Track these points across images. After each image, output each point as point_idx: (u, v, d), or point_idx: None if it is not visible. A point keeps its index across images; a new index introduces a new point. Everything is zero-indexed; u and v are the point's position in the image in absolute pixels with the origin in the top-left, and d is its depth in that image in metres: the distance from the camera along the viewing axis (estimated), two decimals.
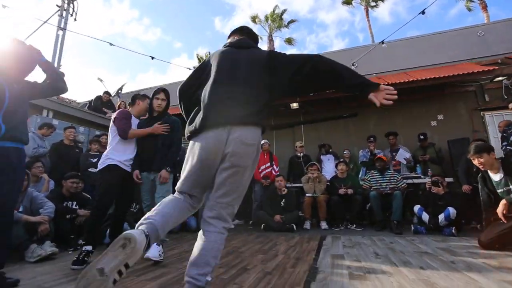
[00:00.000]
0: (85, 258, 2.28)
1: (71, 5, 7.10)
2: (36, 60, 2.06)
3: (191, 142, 1.40)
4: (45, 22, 6.80)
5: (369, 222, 4.56)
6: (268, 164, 5.27)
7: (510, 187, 2.74)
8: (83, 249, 2.33)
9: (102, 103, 7.11)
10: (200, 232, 1.33)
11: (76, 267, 2.21)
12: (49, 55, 6.72)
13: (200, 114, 1.34)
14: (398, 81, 5.76)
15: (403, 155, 5.21)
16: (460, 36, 6.93)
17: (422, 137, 5.26)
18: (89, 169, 4.18)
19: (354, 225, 4.34)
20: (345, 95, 6.17)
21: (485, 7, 14.12)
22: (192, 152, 1.35)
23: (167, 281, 1.88)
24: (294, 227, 4.19)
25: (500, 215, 2.67)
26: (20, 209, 2.83)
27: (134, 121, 2.81)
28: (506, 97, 5.66)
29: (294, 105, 6.51)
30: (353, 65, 6.10)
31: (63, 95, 7.10)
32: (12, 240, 2.50)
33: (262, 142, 5.31)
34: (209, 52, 20.97)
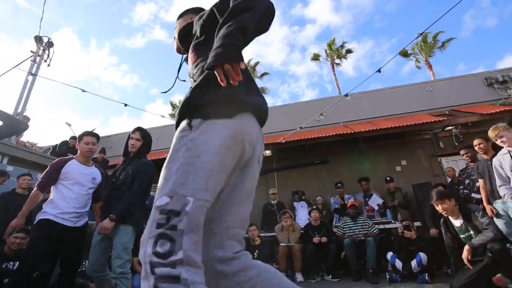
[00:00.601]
0: None
1: (47, 51, 7.11)
2: None
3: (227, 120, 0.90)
4: (15, 66, 6.68)
5: (345, 272, 4.43)
6: None
7: (471, 233, 2.86)
8: None
9: (68, 149, 6.77)
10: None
11: None
12: (14, 99, 6.48)
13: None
14: (363, 129, 6.18)
15: (376, 200, 5.33)
16: (413, 90, 7.80)
17: (388, 178, 5.52)
18: None
19: (330, 276, 4.19)
20: (315, 142, 6.47)
21: (430, 66, 16.23)
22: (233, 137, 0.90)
23: None
24: None
25: (465, 261, 2.74)
26: None
27: (80, 168, 2.51)
28: (457, 144, 6.23)
29: (267, 153, 6.64)
30: (321, 115, 6.50)
31: (23, 139, 6.70)
32: None
33: None
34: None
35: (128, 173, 2.40)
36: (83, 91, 6.66)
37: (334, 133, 6.32)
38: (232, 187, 0.99)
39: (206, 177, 0.81)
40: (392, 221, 4.81)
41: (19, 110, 6.32)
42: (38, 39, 6.80)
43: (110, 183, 2.48)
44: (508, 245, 2.70)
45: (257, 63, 19.49)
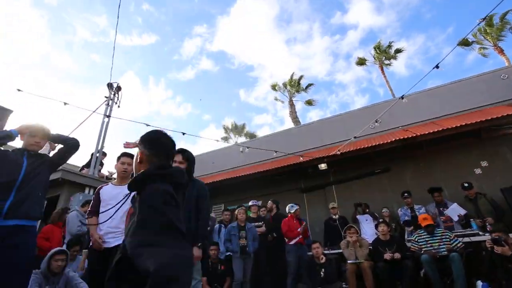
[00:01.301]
0: None
1: (117, 95, 8.22)
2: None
3: None
4: (93, 111, 7.85)
5: None
6: (300, 229, 4.89)
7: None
8: None
9: None
10: None
11: None
12: (94, 139, 7.52)
13: None
14: (427, 132, 5.62)
15: (456, 211, 4.53)
16: (483, 81, 6.89)
17: (466, 185, 4.78)
18: None
19: None
20: (373, 151, 6.07)
21: (501, 51, 14.24)
22: None
23: None
24: None
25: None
26: None
27: (112, 190, 2.56)
28: None
29: (323, 166, 6.44)
30: (376, 121, 6.12)
31: (103, 172, 7.65)
32: None
33: (293, 209, 4.96)
34: (235, 122, 22.35)
35: (190, 196, 2.46)
36: (147, 125, 7.42)
37: (394, 139, 5.86)
38: None
39: None
40: (480, 233, 4.13)
41: (99, 148, 7.32)
42: (110, 85, 7.91)
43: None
44: None
45: (301, 77, 19.50)
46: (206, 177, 9.35)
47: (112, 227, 2.39)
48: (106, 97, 8.31)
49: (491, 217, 4.35)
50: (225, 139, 21.43)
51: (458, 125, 5.35)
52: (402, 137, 5.82)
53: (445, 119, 6.67)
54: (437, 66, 4.69)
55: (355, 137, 6.49)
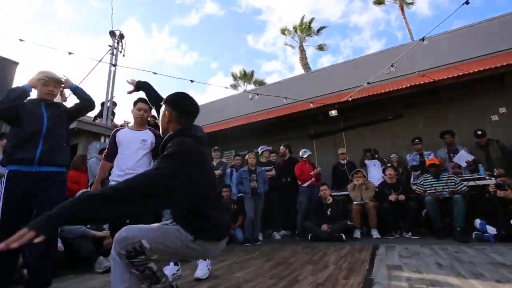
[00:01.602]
0: None
1: (120, 43, 7.92)
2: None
3: None
4: (99, 61, 7.68)
5: (427, 230, 4.18)
6: (312, 172, 5.18)
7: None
8: None
9: (152, 126, 7.71)
10: None
11: None
12: (102, 89, 7.52)
13: None
14: (446, 77, 5.35)
15: (464, 157, 4.58)
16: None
17: (479, 132, 4.71)
18: None
19: (410, 233, 4.02)
20: (386, 97, 5.90)
21: None
22: None
23: None
24: (343, 236, 4.01)
25: None
26: (88, 226, 3.16)
27: (129, 133, 2.62)
28: None
29: (333, 112, 6.37)
30: (392, 66, 5.81)
31: (115, 122, 7.83)
32: (83, 253, 2.80)
33: (305, 154, 5.22)
34: (244, 70, 21.61)
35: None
36: (155, 73, 7.30)
37: (408, 85, 5.64)
38: None
39: None
40: (487, 177, 4.20)
41: (109, 97, 7.35)
42: (112, 33, 7.59)
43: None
44: None
45: (312, 20, 18.09)
46: (216, 124, 9.46)
47: (130, 168, 2.47)
48: (110, 46, 8.03)
49: (501, 162, 4.38)
50: (234, 87, 21.04)
51: (481, 69, 5.05)
52: (418, 83, 5.58)
53: (466, 64, 6.27)
54: (467, 2, 4.24)
55: (368, 83, 6.27)
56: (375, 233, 4.16)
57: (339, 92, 7.82)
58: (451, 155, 4.84)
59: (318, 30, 18.11)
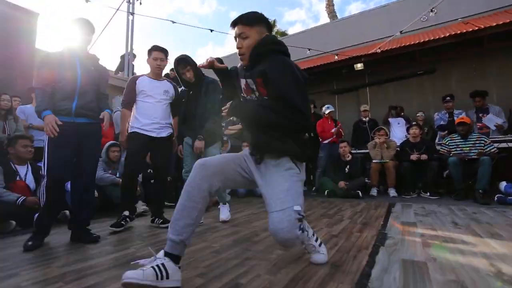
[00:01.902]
0: (122, 222, 2.37)
1: None
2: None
3: None
4: (117, 9, 7.45)
5: (447, 191, 4.14)
6: (334, 129, 5.07)
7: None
8: (122, 214, 2.42)
9: (173, 80, 7.70)
10: None
11: (113, 228, 2.30)
12: (122, 40, 7.41)
13: None
14: (493, 24, 4.74)
15: (492, 120, 4.29)
16: None
17: None
18: None
19: (428, 193, 4.01)
20: (420, 48, 5.40)
21: None
22: None
23: (239, 238, 2.08)
24: (360, 193, 4.08)
25: None
26: (117, 175, 3.40)
27: (151, 82, 2.57)
28: None
29: (359, 66, 6.00)
30: (431, 11, 5.17)
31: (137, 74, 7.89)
32: (115, 199, 3.06)
33: (328, 110, 5.08)
34: None
35: (200, 97, 2.66)
36: (173, 22, 7.03)
37: (447, 34, 5.08)
38: None
39: None
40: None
41: (129, 49, 7.28)
42: None
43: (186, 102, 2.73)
44: None
45: None
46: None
47: (159, 117, 2.53)
48: None
49: None
50: None
51: None
52: (457, 32, 5.01)
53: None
54: None
55: (401, 32, 5.70)
56: (392, 192, 4.19)
57: (367, 43, 7.23)
58: (480, 115, 4.53)
59: None
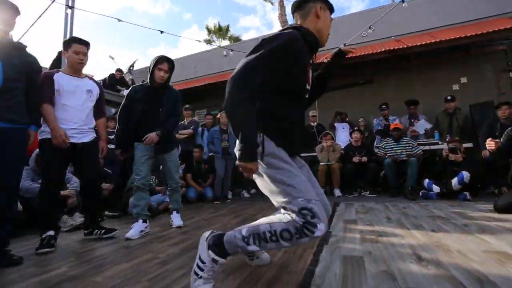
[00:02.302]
0: (51, 242, 2.06)
1: None
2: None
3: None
4: (53, 1, 6.72)
5: (383, 189, 4.58)
6: None
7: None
8: (44, 235, 2.08)
9: (116, 81, 7.19)
10: None
11: (41, 250, 1.95)
12: (59, 37, 6.73)
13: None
14: (418, 43, 5.43)
15: (423, 125, 4.96)
16: None
17: (449, 97, 4.79)
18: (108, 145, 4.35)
19: (368, 192, 4.39)
20: (362, 60, 5.93)
21: None
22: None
23: (187, 246, 2.01)
24: None
25: None
26: None
27: (72, 80, 2.24)
28: None
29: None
30: (370, 28, 5.74)
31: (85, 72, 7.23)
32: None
33: None
34: (218, 23, 20.26)
35: (167, 101, 2.60)
36: (119, 20, 6.60)
37: (382, 49, 5.67)
38: None
39: None
40: (440, 142, 4.58)
41: None
42: None
43: (144, 105, 2.54)
44: None
45: None
46: (188, 81, 9.06)
47: (83, 124, 2.26)
48: None
49: (461, 131, 4.62)
50: (208, 42, 19.80)
51: (453, 37, 5.15)
52: (391, 48, 5.63)
53: (440, 31, 6.36)
54: None
55: (344, 45, 6.18)
56: (337, 192, 4.49)
57: (318, 51, 7.67)
58: (412, 120, 5.15)
59: None
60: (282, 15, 17.14)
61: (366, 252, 1.69)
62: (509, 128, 2.84)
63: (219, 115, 5.02)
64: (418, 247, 1.74)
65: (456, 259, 1.49)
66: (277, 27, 20.27)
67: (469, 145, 4.26)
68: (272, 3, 17.85)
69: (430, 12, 6.74)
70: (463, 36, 5.07)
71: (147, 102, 2.54)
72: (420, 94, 5.75)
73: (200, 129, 5.51)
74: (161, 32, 6.50)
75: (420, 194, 3.92)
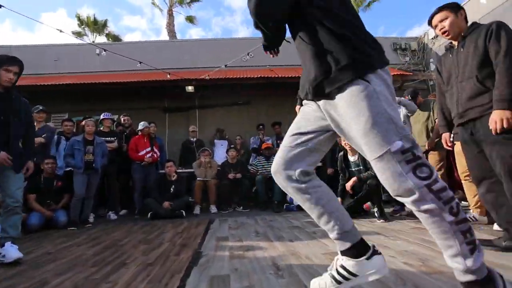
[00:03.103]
0: None
1: None
2: None
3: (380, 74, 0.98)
4: None
5: (255, 204, 5.00)
6: (149, 149, 4.87)
7: (361, 168, 3.48)
8: None
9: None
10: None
11: None
12: None
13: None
14: (288, 75, 6.39)
15: None
16: None
17: None
18: None
19: (241, 207, 4.69)
20: (240, 83, 6.44)
21: None
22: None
23: None
24: (184, 213, 4.17)
25: (348, 187, 3.41)
26: None
27: None
28: None
29: (190, 89, 6.32)
30: (248, 55, 6.35)
31: None
32: None
33: (141, 126, 4.88)
34: (94, 15, 17.63)
35: (16, 110, 2.31)
36: None
37: (259, 76, 6.38)
38: None
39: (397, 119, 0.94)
40: None
41: None
42: None
43: None
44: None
45: None
46: (46, 76, 7.32)
47: None
48: None
49: None
50: (79, 34, 16.79)
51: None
52: (265, 75, 6.41)
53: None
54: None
55: (226, 66, 6.56)
56: (213, 209, 4.58)
57: (199, 68, 7.79)
58: (278, 141, 5.93)
59: (191, 1, 17.10)
60: (170, 24, 16.70)
61: (233, 269, 1.75)
62: (340, 153, 3.69)
63: (84, 122, 4.25)
64: (278, 257, 1.95)
65: (304, 264, 1.76)
66: (165, 35, 19.52)
67: (319, 164, 5.25)
68: (161, 10, 17.17)
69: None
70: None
71: None
72: (287, 116, 6.73)
73: (55, 137, 4.50)
74: (0, 6, 5.02)
75: (285, 207, 4.50)
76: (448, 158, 3.49)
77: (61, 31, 5.91)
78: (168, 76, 6.25)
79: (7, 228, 2.19)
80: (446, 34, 1.93)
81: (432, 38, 7.62)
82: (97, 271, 1.86)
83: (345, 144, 3.48)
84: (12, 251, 2.08)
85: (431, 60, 7.76)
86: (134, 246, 2.53)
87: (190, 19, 17.45)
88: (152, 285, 1.56)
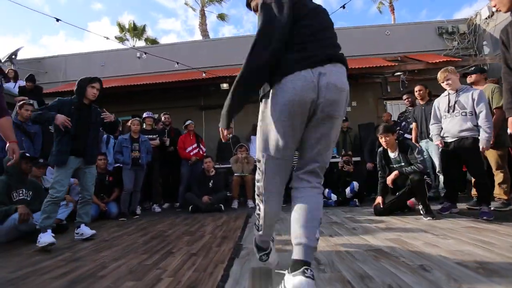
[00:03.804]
0: None
1: None
2: None
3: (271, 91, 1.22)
4: None
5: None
6: (195, 145, 5.13)
7: (402, 164, 3.29)
8: None
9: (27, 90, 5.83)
10: (294, 193, 1.29)
11: None
12: None
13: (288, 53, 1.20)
14: None
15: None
16: (371, 32, 7.84)
17: (344, 118, 5.73)
18: None
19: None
20: None
21: (392, 10, 16.12)
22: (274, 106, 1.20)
23: (79, 276, 1.71)
24: (222, 207, 4.29)
25: (389, 181, 3.25)
26: None
27: None
28: (402, 89, 6.74)
29: (224, 86, 6.45)
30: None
31: None
32: None
33: (187, 123, 5.14)
34: (133, 22, 18.74)
35: (96, 120, 2.88)
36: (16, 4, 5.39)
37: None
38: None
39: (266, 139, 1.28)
40: (337, 156, 5.31)
41: None
42: None
43: (76, 121, 2.66)
44: (425, 177, 3.22)
45: None
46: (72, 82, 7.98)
47: None
48: None
49: (352, 146, 5.57)
50: (120, 40, 17.98)
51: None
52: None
53: None
54: (343, 7, 4.98)
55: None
56: (250, 203, 4.65)
57: (234, 65, 7.93)
58: None
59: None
60: (203, 23, 17.16)
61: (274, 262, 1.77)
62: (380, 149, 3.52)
63: (130, 122, 4.56)
64: (318, 252, 1.93)
65: (346, 260, 1.73)
66: (198, 35, 20.10)
67: (357, 159, 5.09)
68: (194, 10, 17.70)
69: None
70: (353, 67, 6.10)
71: (79, 117, 2.70)
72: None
73: (105, 136, 4.90)
74: (57, 20, 5.57)
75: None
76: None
77: (107, 38, 6.42)
78: (204, 74, 6.45)
79: (82, 215, 2.77)
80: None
81: (486, 18, 6.89)
82: (147, 258, 2.00)
83: (385, 141, 3.30)
84: (87, 231, 2.69)
85: (485, 42, 7.04)
86: (178, 237, 2.67)
87: (221, 17, 17.75)
88: (198, 273, 1.65)
